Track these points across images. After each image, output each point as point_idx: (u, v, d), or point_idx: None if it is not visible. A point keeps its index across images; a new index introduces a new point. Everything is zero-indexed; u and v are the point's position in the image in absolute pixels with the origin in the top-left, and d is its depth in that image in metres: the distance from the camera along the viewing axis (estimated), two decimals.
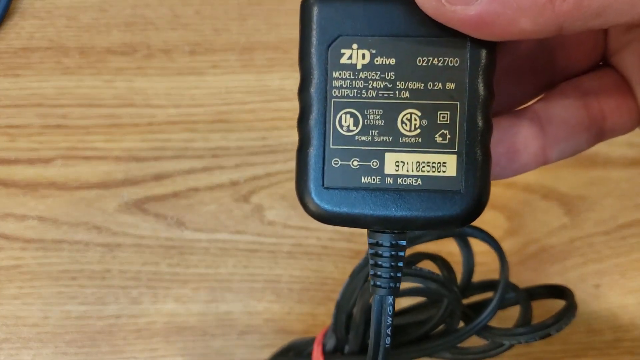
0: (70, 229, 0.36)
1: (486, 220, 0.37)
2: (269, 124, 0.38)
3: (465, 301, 0.26)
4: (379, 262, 0.18)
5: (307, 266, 0.37)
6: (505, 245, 0.37)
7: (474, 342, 0.27)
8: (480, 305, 0.24)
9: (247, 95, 0.38)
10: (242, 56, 0.38)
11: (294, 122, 0.39)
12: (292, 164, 0.37)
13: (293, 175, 0.38)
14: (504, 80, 0.19)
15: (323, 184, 0.17)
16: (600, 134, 0.20)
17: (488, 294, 0.25)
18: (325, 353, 0.25)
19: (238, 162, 0.37)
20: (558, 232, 0.38)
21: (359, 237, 0.36)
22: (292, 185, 0.37)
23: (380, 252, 0.18)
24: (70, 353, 0.35)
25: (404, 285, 0.24)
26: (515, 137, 0.19)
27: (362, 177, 0.16)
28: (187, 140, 0.38)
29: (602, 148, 0.38)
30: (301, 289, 0.36)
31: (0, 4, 0.38)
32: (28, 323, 0.35)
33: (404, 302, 0.28)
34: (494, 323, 0.26)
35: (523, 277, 0.37)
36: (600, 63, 0.21)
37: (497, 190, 0.38)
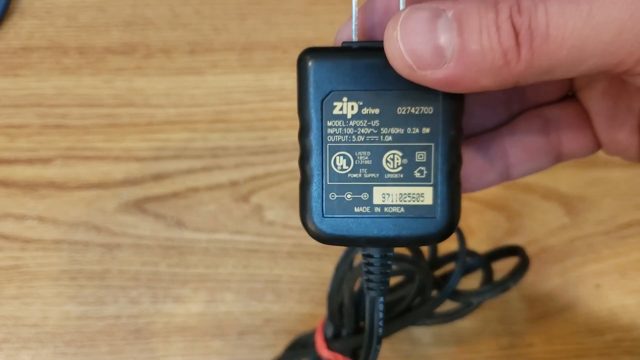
0: (70, 229, 0.36)
1: (487, 220, 0.37)
2: (268, 124, 0.38)
3: (438, 273, 0.29)
4: (371, 270, 0.22)
5: (307, 266, 0.37)
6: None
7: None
8: (450, 275, 0.28)
9: (247, 95, 0.38)
10: (242, 56, 0.38)
11: (294, 122, 0.39)
12: (292, 164, 0.37)
13: (293, 175, 0.38)
14: (479, 109, 0.22)
15: (323, 214, 0.20)
16: (559, 157, 0.23)
17: (453, 265, 0.29)
18: (326, 340, 0.29)
19: (238, 162, 0.37)
20: (558, 232, 0.38)
21: None
22: (292, 185, 0.37)
23: (371, 262, 0.21)
24: (69, 353, 0.35)
25: None
26: (484, 159, 0.22)
27: (355, 207, 0.19)
28: (187, 140, 0.37)
29: None
30: (301, 289, 0.36)
31: None
32: (27, 323, 0.35)
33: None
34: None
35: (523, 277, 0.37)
36: (570, 94, 0.23)
37: (497, 190, 0.38)
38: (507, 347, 0.36)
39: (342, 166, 0.19)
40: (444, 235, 0.19)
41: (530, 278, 0.37)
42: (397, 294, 0.29)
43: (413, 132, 0.19)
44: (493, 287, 0.27)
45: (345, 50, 0.19)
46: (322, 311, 0.36)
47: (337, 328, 0.29)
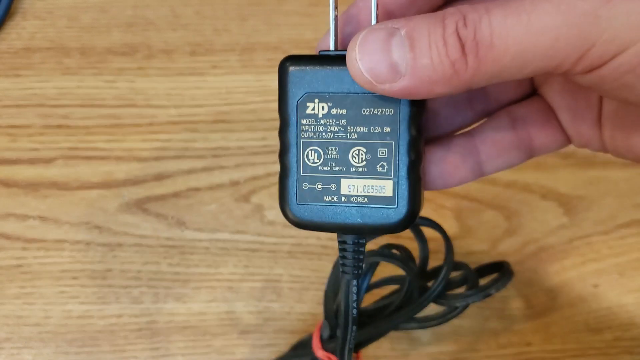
0: (72, 229, 0.36)
1: (485, 220, 0.37)
2: (269, 124, 0.38)
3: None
4: (345, 255, 0.24)
5: (307, 266, 0.37)
6: (504, 245, 0.37)
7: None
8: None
9: (248, 95, 0.38)
10: (242, 56, 0.39)
11: None
12: None
13: None
14: (444, 109, 0.24)
15: (297, 202, 0.22)
16: (531, 152, 0.24)
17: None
18: (322, 341, 0.30)
19: (238, 162, 0.38)
20: (557, 231, 0.38)
21: None
22: None
23: (345, 248, 0.24)
24: (71, 352, 0.35)
25: (378, 277, 0.31)
26: (456, 156, 0.23)
27: (324, 196, 0.22)
28: (188, 140, 0.38)
29: None
30: (301, 289, 0.36)
31: (1, 5, 0.38)
32: (29, 322, 0.36)
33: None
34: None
35: (522, 277, 0.37)
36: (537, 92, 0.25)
37: (497, 190, 0.38)
38: (506, 346, 0.36)
39: (313, 159, 0.22)
40: (404, 224, 0.21)
41: (528, 277, 0.37)
42: (386, 300, 0.31)
43: (376, 131, 0.21)
44: (477, 292, 0.29)
45: (320, 58, 0.21)
46: (321, 310, 0.36)
47: (333, 328, 0.30)
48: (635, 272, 0.37)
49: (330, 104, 0.21)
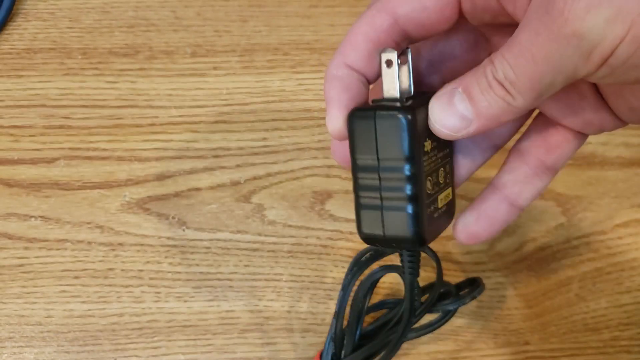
0: (73, 229, 0.37)
1: None
2: (269, 125, 0.38)
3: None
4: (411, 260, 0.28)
5: (307, 265, 0.37)
6: (503, 245, 0.38)
7: None
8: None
9: (248, 96, 0.39)
10: (243, 58, 0.39)
11: (294, 123, 0.39)
12: (292, 165, 0.38)
13: (293, 175, 0.38)
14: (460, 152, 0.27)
15: (427, 225, 0.24)
16: (552, 170, 0.27)
17: None
18: None
19: (239, 162, 0.38)
20: (555, 231, 0.38)
21: (357, 237, 0.37)
22: (292, 185, 0.38)
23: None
24: (72, 351, 0.36)
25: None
26: (487, 218, 0.26)
27: (434, 214, 0.25)
28: (189, 140, 0.38)
29: (598, 148, 0.39)
30: (301, 288, 0.37)
31: (3, 6, 0.38)
32: (31, 322, 0.36)
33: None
34: None
35: (520, 277, 0.37)
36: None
37: None
38: (504, 346, 0.36)
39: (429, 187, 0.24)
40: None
41: (526, 277, 0.37)
42: (387, 316, 0.33)
43: (446, 153, 0.25)
44: (460, 298, 0.33)
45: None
46: (321, 309, 0.36)
47: (338, 350, 0.32)
48: (633, 271, 0.38)
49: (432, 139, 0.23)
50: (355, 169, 0.23)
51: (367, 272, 0.31)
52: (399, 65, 0.23)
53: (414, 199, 0.23)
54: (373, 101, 0.23)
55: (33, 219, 0.37)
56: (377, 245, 0.24)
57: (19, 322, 0.36)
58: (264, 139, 0.38)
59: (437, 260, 0.31)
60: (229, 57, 0.39)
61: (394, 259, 0.32)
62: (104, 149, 0.38)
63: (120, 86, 0.38)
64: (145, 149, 0.38)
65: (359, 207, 0.24)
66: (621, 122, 0.24)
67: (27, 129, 0.38)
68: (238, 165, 0.38)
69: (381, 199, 0.23)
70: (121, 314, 0.36)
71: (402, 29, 0.23)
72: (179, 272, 0.36)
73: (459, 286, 0.34)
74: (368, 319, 0.34)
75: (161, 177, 0.37)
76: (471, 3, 0.22)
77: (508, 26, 0.23)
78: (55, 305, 0.36)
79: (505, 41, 0.20)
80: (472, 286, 0.33)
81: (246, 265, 0.37)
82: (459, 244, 0.30)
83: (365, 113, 0.23)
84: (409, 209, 0.23)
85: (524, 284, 0.37)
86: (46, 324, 0.36)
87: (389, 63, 0.23)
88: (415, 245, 0.23)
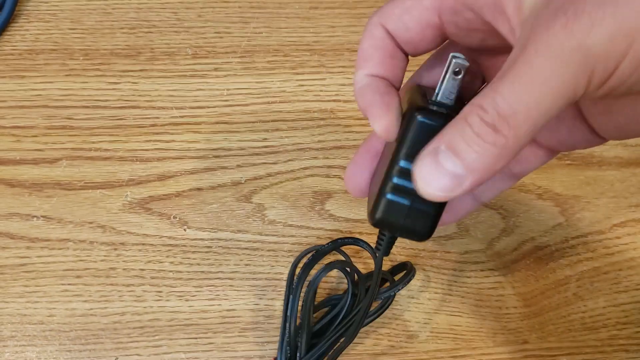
0: (75, 228, 0.37)
1: (482, 219, 0.38)
2: (270, 125, 0.39)
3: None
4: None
5: None
6: (501, 244, 0.38)
7: None
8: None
9: (249, 97, 0.39)
10: (244, 59, 0.39)
11: (294, 124, 0.40)
12: (293, 165, 0.38)
13: (293, 175, 0.38)
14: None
15: None
16: (517, 177, 0.27)
17: None
18: None
19: (240, 162, 0.38)
20: (553, 231, 0.38)
21: (357, 237, 0.37)
22: (292, 185, 0.38)
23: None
24: (74, 350, 0.36)
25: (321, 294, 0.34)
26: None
27: None
28: (190, 141, 0.38)
29: (596, 148, 0.39)
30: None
31: (5, 7, 0.39)
32: (33, 321, 0.36)
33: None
34: None
35: (518, 276, 0.37)
36: None
37: None
38: (503, 344, 0.37)
39: None
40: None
41: (525, 276, 0.37)
42: (337, 308, 0.34)
43: None
44: (397, 284, 0.34)
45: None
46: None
47: (293, 352, 0.33)
48: (631, 271, 0.38)
49: None
50: (399, 157, 0.23)
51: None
52: (461, 76, 0.22)
53: (438, 204, 0.24)
54: (424, 98, 0.23)
55: (35, 218, 0.37)
56: (384, 229, 0.25)
57: (21, 321, 0.36)
58: (265, 139, 0.38)
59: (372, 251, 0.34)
60: (230, 58, 0.39)
61: (330, 257, 0.35)
62: (106, 149, 0.38)
63: (122, 87, 0.39)
64: (146, 149, 0.38)
65: (384, 193, 0.24)
66: (598, 140, 0.24)
67: (29, 130, 0.38)
68: (239, 165, 0.38)
69: (413, 195, 0.23)
70: (123, 313, 0.36)
71: (396, 42, 0.23)
72: (181, 272, 0.37)
73: (392, 272, 0.36)
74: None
75: (163, 177, 0.38)
76: (455, 26, 0.22)
77: (498, 52, 0.23)
78: (58, 304, 0.36)
79: (494, 65, 0.19)
80: (405, 270, 0.35)
81: (247, 265, 0.37)
82: None
83: (434, 115, 0.22)
84: (432, 210, 0.24)
85: (522, 283, 0.37)
86: (48, 322, 0.36)
87: (457, 72, 0.22)
88: (422, 239, 0.24)
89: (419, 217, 0.24)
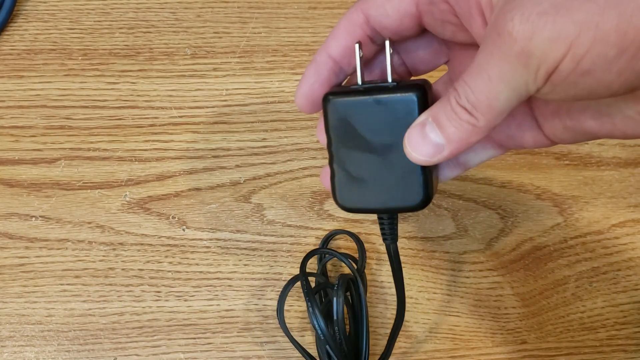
0: (74, 228, 0.37)
1: (481, 220, 0.38)
2: (268, 125, 0.39)
3: None
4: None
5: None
6: (500, 245, 0.38)
7: None
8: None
9: (248, 97, 0.39)
10: (242, 59, 0.39)
11: (293, 124, 0.40)
12: (292, 165, 0.38)
13: (292, 175, 0.38)
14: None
15: None
16: (458, 166, 0.29)
17: None
18: None
19: (238, 162, 0.38)
20: (552, 231, 0.38)
21: (357, 237, 0.37)
22: (291, 185, 0.38)
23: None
24: (73, 350, 0.36)
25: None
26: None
27: None
28: (189, 141, 0.38)
29: (594, 149, 0.39)
30: (300, 287, 0.37)
31: (4, 7, 0.39)
32: (32, 321, 0.36)
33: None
34: None
35: (517, 276, 0.37)
36: None
37: (492, 190, 0.38)
38: (502, 345, 0.37)
39: None
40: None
41: (524, 276, 0.38)
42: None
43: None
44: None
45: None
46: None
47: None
48: (629, 271, 0.38)
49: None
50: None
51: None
52: (360, 58, 0.26)
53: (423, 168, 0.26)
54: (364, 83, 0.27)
55: (34, 218, 0.37)
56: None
57: (19, 321, 0.36)
58: (264, 139, 0.38)
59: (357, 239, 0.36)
60: (229, 58, 0.39)
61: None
62: (105, 149, 0.38)
63: (120, 87, 0.39)
64: (145, 149, 0.38)
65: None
66: (546, 142, 0.27)
67: (28, 130, 0.38)
68: (238, 166, 0.38)
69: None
70: (121, 313, 0.36)
71: (373, 27, 0.26)
72: (179, 272, 0.37)
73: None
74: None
75: (161, 177, 0.38)
76: (431, 16, 0.25)
77: (468, 47, 0.26)
78: (56, 304, 0.36)
79: (462, 62, 0.23)
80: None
81: (245, 265, 0.37)
82: None
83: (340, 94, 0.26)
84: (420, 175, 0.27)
85: (521, 284, 0.37)
86: (47, 323, 0.36)
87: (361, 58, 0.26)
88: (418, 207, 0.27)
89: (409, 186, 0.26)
